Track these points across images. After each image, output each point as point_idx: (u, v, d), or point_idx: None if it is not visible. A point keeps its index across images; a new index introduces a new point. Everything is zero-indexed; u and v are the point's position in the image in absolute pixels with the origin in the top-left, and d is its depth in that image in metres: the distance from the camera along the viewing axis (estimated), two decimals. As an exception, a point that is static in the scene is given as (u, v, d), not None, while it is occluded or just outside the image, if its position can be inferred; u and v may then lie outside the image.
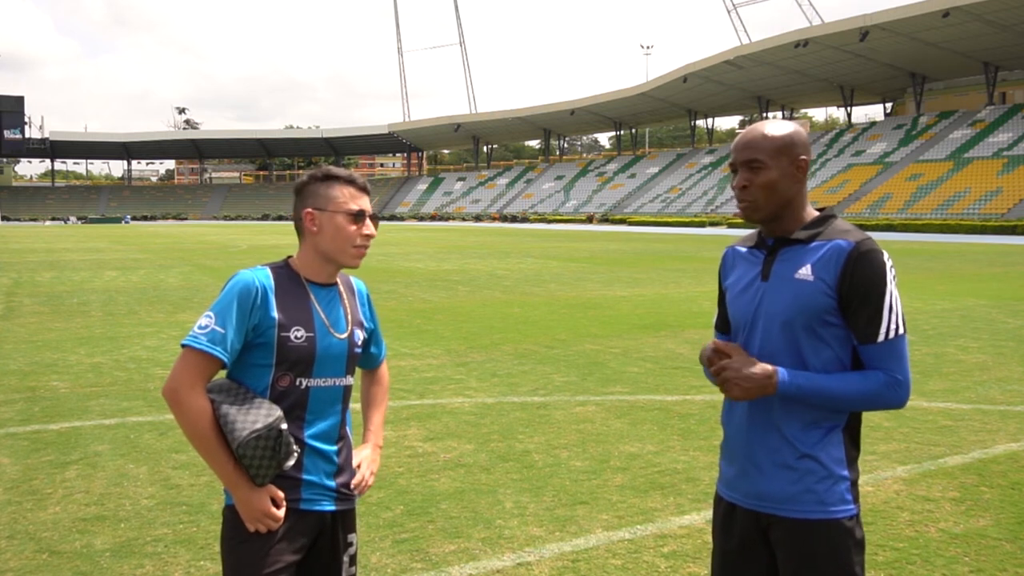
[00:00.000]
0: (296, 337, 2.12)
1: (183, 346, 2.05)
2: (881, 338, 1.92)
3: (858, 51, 59.69)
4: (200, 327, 2.06)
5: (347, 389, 2.25)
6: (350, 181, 2.20)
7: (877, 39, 56.56)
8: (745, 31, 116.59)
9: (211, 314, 2.07)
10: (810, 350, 1.96)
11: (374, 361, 2.48)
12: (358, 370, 2.41)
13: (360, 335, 2.28)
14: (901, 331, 1.94)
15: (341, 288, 2.29)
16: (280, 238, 42.50)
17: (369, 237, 2.22)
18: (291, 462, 2.07)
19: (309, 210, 2.19)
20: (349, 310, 2.27)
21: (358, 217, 2.19)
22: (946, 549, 3.86)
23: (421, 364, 8.48)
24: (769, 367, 1.93)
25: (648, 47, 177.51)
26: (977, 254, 26.93)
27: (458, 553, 3.86)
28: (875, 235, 41.52)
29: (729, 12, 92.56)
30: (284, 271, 2.19)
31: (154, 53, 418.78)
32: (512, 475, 4.97)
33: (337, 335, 2.19)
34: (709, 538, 3.95)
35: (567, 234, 48.49)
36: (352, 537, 2.26)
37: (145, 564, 3.74)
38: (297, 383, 2.13)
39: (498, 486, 4.77)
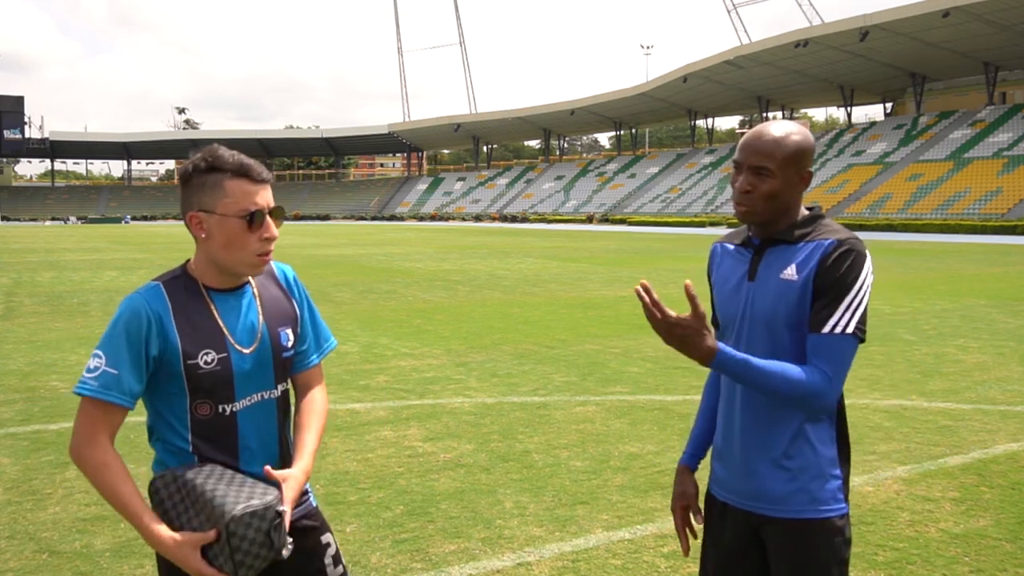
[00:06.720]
0: (206, 363, 1.81)
1: (76, 394, 1.78)
2: (827, 329, 1.84)
3: (858, 51, 59.67)
4: (88, 370, 1.76)
5: (281, 397, 1.96)
6: (241, 172, 1.80)
7: (877, 39, 56.54)
8: (745, 31, 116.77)
9: (100, 353, 1.77)
10: (793, 350, 1.93)
11: (303, 362, 2.05)
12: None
13: (288, 335, 1.96)
14: (850, 330, 1.84)
15: (254, 286, 1.96)
16: (280, 238, 42.43)
17: (270, 240, 1.85)
18: (286, 554, 1.75)
19: (193, 213, 1.82)
20: (266, 311, 1.94)
21: (254, 219, 1.81)
22: (946, 549, 3.86)
23: (421, 364, 8.48)
24: (714, 345, 1.80)
25: (648, 47, 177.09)
26: (977, 254, 26.91)
27: (458, 553, 3.86)
28: (875, 235, 42.00)
29: (729, 12, 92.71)
30: (180, 282, 1.86)
31: (154, 53, 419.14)
32: (512, 475, 4.97)
33: (246, 350, 1.87)
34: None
35: (567, 234, 48.47)
36: (326, 537, 2.05)
37: (145, 564, 3.74)
38: (220, 410, 1.85)
39: (498, 486, 4.77)
